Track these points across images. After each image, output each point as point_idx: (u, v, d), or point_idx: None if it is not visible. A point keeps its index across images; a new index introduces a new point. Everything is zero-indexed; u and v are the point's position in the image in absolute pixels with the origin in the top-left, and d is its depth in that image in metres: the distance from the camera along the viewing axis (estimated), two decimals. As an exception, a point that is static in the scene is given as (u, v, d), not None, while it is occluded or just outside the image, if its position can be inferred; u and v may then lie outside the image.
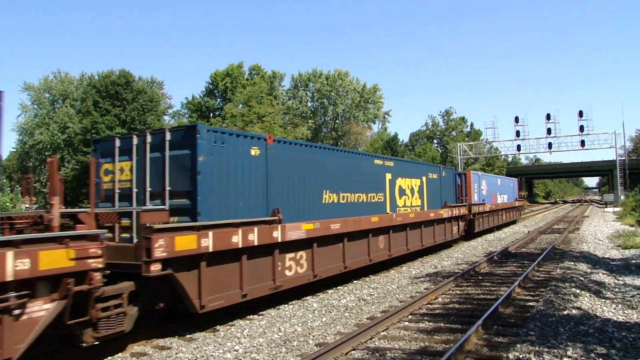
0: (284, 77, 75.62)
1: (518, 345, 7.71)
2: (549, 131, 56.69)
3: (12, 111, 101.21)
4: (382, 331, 9.36)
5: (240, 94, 54.78)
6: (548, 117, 56.40)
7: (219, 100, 65.37)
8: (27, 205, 26.31)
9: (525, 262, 17.64)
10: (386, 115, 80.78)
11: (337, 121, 75.24)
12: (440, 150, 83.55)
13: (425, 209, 20.51)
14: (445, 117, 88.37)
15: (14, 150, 60.38)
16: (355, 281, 15.17)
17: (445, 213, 21.86)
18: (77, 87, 60.23)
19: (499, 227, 34.25)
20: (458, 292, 12.98)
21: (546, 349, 7.49)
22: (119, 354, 8.53)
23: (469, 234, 26.96)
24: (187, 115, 63.99)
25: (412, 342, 8.72)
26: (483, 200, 30.06)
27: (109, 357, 8.39)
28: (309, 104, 75.31)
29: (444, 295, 12.49)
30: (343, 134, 71.77)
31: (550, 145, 57.33)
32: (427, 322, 10.02)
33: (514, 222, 40.33)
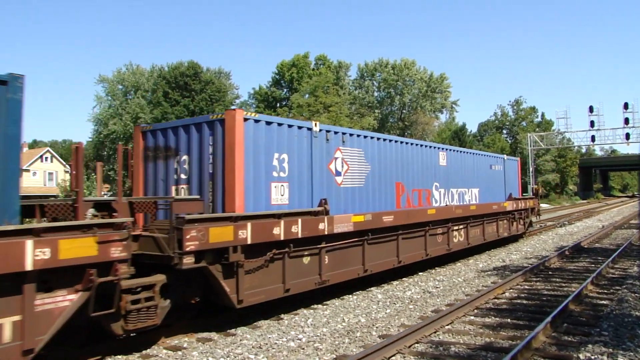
0: (349, 67, 75.47)
1: (589, 346, 7.42)
2: (626, 121, 53.78)
3: (89, 102, 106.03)
4: (447, 325, 9.23)
5: (307, 84, 55.12)
6: (626, 106, 53.52)
7: (285, 90, 66.00)
8: (104, 192, 27.51)
9: (599, 258, 16.91)
10: (454, 105, 79.35)
11: (404, 111, 74.47)
12: (509, 141, 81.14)
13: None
14: (515, 107, 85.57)
15: (90, 140, 63.24)
16: (420, 273, 15.02)
17: (509, 206, 20.90)
18: (147, 79, 62.37)
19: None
20: (526, 287, 12.63)
21: (621, 351, 7.16)
22: (175, 341, 8.80)
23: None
24: (254, 105, 64.98)
25: (477, 337, 8.55)
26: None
27: (168, 340, 8.68)
28: (375, 94, 74.90)
29: (511, 290, 12.18)
30: (410, 124, 70.97)
31: (628, 136, 54.40)
32: (493, 317, 9.80)
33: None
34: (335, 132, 12.42)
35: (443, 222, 15.72)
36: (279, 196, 10.77)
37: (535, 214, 25.09)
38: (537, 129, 77.81)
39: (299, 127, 11.42)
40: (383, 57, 75.13)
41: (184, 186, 10.80)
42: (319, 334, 8.93)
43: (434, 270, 15.45)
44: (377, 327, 9.31)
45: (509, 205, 20.99)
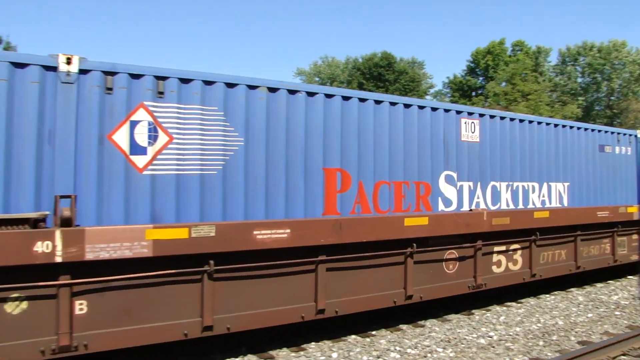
0: (549, 52, 70.41)
1: None
2: None
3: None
4: (663, 338, 8.29)
5: (503, 72, 52.70)
6: None
7: (480, 78, 63.82)
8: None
9: None
10: (676, 90, 69.97)
11: (612, 98, 67.62)
12: None
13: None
14: None
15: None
16: (629, 277, 13.63)
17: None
18: (342, 71, 64.57)
19: None
20: None
21: None
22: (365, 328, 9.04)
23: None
24: (449, 95, 63.91)
25: (700, 355, 7.54)
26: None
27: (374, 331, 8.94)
28: (579, 80, 69.04)
29: None
30: (619, 112, 64.26)
31: None
32: None
33: None
34: (134, 75, 6.88)
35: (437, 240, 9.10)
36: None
37: None
38: None
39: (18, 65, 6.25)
40: (587, 40, 68.91)
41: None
42: (511, 334, 8.60)
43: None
44: (576, 332, 8.68)
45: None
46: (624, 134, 13.92)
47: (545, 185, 11.71)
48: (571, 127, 12.41)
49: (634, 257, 13.20)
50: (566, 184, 12.17)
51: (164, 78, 7.01)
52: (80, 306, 5.96)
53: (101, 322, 6.03)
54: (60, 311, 5.80)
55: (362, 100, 8.80)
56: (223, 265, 6.70)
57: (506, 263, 10.22)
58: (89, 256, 5.82)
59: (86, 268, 5.92)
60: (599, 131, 13.21)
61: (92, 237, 5.84)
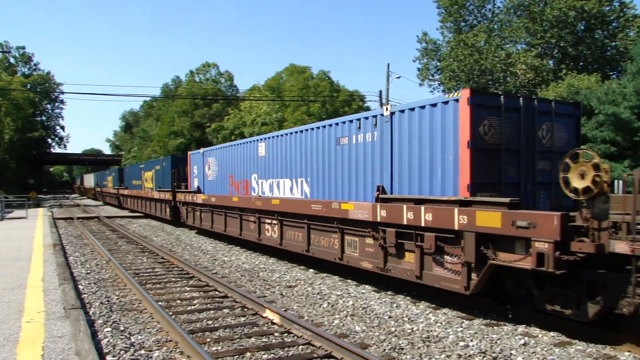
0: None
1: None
2: None
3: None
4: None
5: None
6: None
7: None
8: None
9: None
10: None
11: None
12: None
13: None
14: None
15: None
16: None
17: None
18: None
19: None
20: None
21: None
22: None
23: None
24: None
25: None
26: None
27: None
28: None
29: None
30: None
31: None
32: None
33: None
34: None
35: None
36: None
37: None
38: None
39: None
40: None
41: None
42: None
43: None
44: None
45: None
46: (366, 118, 11.62)
47: (294, 180, 14.71)
48: (311, 130, 13.76)
49: (366, 265, 11.42)
50: (308, 179, 13.89)
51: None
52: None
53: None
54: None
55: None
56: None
57: (263, 230, 16.10)
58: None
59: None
60: (337, 124, 12.64)
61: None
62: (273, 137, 16.15)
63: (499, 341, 7.72)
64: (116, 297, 10.77)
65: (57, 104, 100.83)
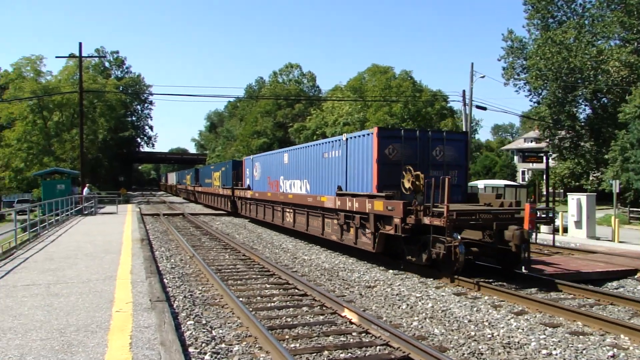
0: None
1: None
2: None
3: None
4: None
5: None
6: None
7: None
8: None
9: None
10: None
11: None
12: None
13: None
14: None
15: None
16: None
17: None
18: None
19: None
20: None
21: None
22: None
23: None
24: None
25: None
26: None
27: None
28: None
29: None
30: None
31: None
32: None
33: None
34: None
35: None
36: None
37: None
38: None
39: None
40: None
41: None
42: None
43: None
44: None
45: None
46: (336, 141, 17.60)
47: (301, 181, 20.78)
48: (310, 147, 20.04)
49: (334, 237, 17.51)
50: (306, 180, 20.00)
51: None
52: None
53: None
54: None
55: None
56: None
57: (285, 217, 22.38)
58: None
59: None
60: (323, 144, 18.78)
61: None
62: (292, 150, 22.46)
63: (584, 351, 7.67)
64: (199, 292, 11.29)
65: (146, 105, 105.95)
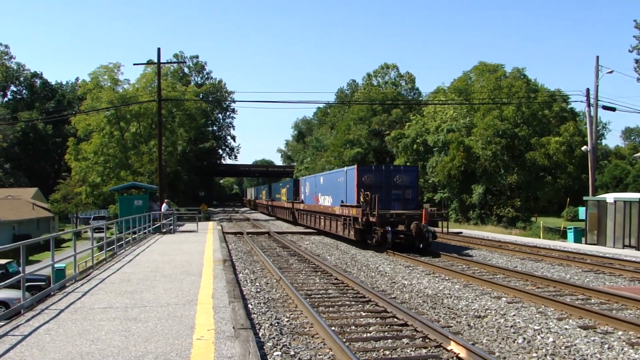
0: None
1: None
2: None
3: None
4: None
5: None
6: None
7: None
8: None
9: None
10: None
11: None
12: None
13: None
14: None
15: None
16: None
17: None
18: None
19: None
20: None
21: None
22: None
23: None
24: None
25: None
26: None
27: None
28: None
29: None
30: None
31: None
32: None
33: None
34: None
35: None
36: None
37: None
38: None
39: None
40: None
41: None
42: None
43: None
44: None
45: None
46: (342, 171, 27.97)
47: (328, 196, 30.81)
48: (331, 174, 30.74)
49: (339, 233, 27.65)
50: (331, 196, 30.12)
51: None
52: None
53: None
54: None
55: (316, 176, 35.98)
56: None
57: (319, 222, 32.82)
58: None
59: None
60: (338, 172, 29.35)
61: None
62: (325, 174, 33.43)
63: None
64: (286, 319, 10.69)
65: (228, 113, 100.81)
